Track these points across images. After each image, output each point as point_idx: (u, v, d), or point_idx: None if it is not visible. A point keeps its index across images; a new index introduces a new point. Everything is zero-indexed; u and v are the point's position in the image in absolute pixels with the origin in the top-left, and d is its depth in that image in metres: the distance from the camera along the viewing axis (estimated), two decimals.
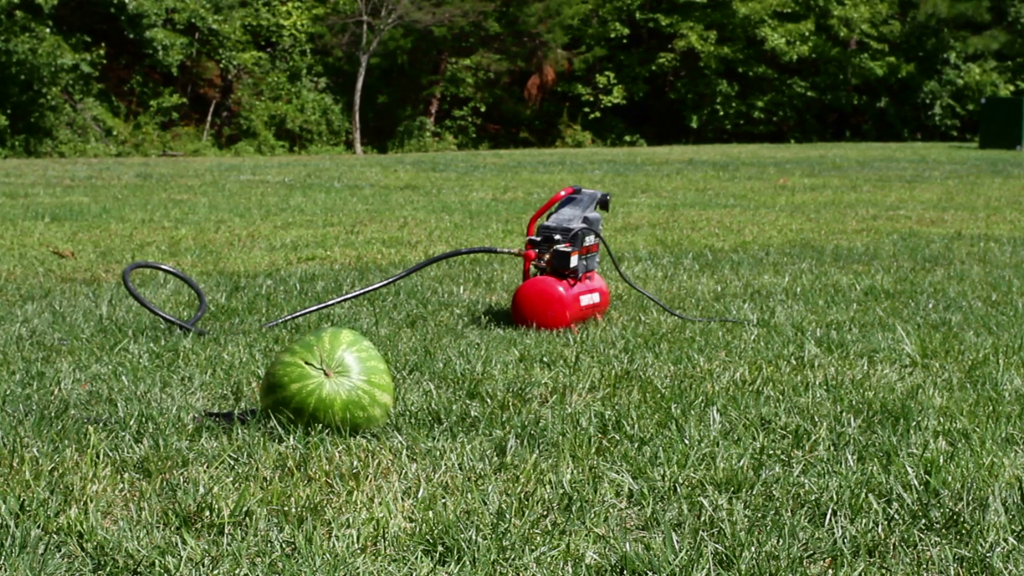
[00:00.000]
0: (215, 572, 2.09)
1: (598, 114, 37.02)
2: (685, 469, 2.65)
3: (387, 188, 13.98)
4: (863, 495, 2.46)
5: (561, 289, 4.51)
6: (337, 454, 2.75)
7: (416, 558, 2.16)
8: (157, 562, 2.11)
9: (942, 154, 24.10)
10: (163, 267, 4.94)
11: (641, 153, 26.31)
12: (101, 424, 3.00)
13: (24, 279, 5.88)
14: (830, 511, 2.38)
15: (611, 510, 2.41)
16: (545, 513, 2.39)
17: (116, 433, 2.92)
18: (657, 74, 37.83)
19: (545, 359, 3.87)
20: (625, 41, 37.67)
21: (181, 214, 10.06)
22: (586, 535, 2.27)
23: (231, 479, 2.57)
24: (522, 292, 4.54)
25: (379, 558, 2.16)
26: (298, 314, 4.55)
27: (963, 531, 2.31)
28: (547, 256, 4.62)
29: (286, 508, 2.38)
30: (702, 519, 2.36)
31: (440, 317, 4.76)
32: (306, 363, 2.96)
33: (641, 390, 3.41)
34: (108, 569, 2.10)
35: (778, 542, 2.22)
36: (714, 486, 2.55)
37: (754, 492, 2.51)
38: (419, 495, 2.48)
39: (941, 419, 3.10)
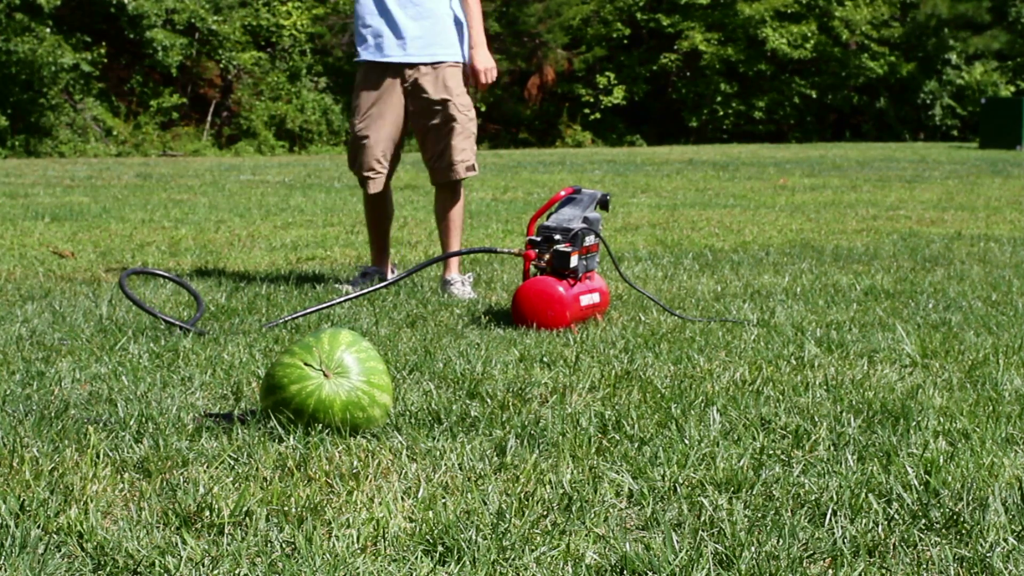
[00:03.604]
0: (215, 572, 2.09)
1: (598, 115, 37.02)
2: (685, 469, 2.65)
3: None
4: (863, 495, 2.46)
5: (561, 289, 4.51)
6: (337, 454, 2.75)
7: (416, 558, 2.16)
8: (157, 562, 2.11)
9: (942, 154, 24.10)
10: (157, 272, 4.96)
11: (641, 153, 26.31)
12: (101, 424, 3.00)
13: (24, 279, 5.88)
14: (830, 511, 2.38)
15: (611, 510, 2.41)
16: (545, 513, 2.39)
17: (116, 433, 2.92)
18: (658, 74, 37.83)
19: (545, 359, 3.87)
20: (626, 41, 37.68)
21: (181, 214, 10.06)
22: (586, 535, 2.27)
23: (231, 479, 2.57)
24: (522, 292, 4.54)
25: (379, 558, 2.16)
26: (298, 314, 4.55)
27: (963, 531, 2.31)
28: (547, 256, 4.63)
29: (286, 508, 2.38)
30: (702, 519, 2.36)
31: (440, 317, 4.76)
32: (305, 364, 2.96)
33: (641, 390, 3.41)
34: (108, 569, 2.10)
35: (778, 542, 2.22)
36: (714, 486, 2.55)
37: (754, 492, 2.51)
38: (419, 495, 2.48)
39: (941, 419, 3.10)
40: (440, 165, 5.59)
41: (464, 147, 5.56)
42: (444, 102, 5.54)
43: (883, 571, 2.14)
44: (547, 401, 3.31)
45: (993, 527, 2.30)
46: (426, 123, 5.58)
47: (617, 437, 2.92)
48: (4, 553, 2.13)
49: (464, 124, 5.56)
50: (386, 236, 5.88)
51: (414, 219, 9.75)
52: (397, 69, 5.56)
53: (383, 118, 5.59)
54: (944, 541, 2.26)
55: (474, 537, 2.22)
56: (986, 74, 37.68)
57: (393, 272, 5.86)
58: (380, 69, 5.59)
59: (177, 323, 4.33)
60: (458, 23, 5.64)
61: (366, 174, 5.67)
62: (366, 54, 5.61)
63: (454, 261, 5.57)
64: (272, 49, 33.11)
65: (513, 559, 2.16)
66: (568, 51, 37.30)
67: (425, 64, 5.55)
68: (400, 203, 11.57)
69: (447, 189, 5.65)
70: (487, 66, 5.63)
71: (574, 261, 4.60)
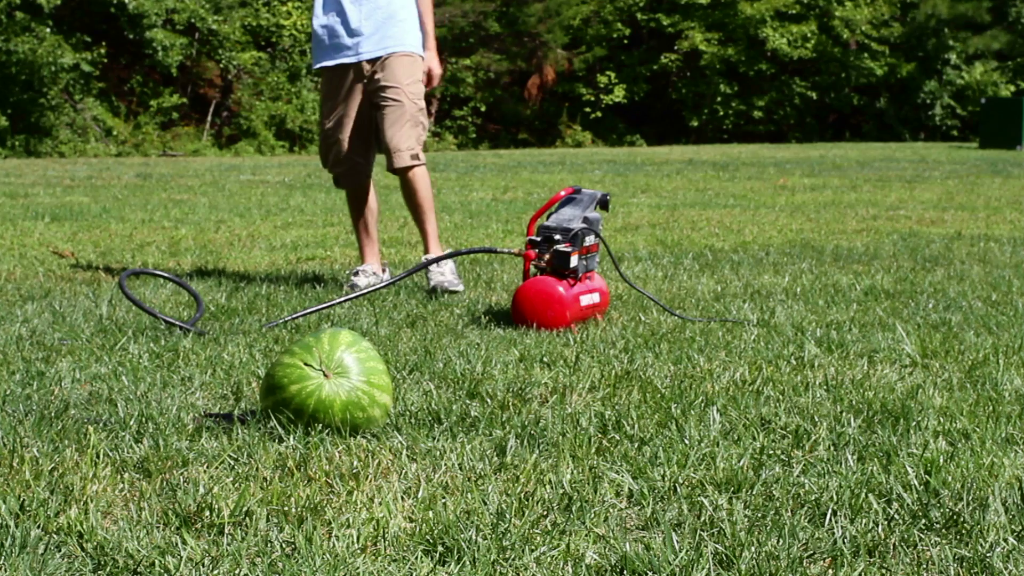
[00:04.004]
0: (215, 572, 2.09)
1: (599, 114, 37.03)
2: (685, 469, 2.65)
3: (387, 188, 13.97)
4: (863, 495, 2.46)
5: (561, 289, 4.51)
6: (337, 454, 2.75)
7: (416, 558, 2.16)
8: (157, 562, 2.11)
9: (942, 154, 24.10)
10: (156, 272, 4.97)
11: (641, 153, 26.31)
12: (101, 424, 3.00)
13: (24, 279, 5.88)
14: (830, 511, 2.38)
15: (611, 510, 2.41)
16: (545, 513, 2.39)
17: (116, 433, 2.92)
18: (658, 74, 37.84)
19: (545, 359, 3.87)
20: (626, 41, 37.69)
21: (181, 214, 10.06)
22: (586, 535, 2.27)
23: (231, 479, 2.57)
24: (522, 292, 4.54)
25: (379, 558, 2.16)
26: (298, 315, 4.55)
27: (963, 531, 2.31)
28: (547, 256, 4.63)
29: (286, 508, 2.38)
30: (702, 519, 2.36)
31: (440, 317, 4.76)
32: (305, 364, 2.96)
33: (641, 390, 3.41)
34: (108, 569, 2.10)
35: (778, 542, 2.22)
36: (714, 486, 2.55)
37: (754, 492, 2.51)
38: (419, 495, 2.48)
39: (941, 419, 3.10)
40: (388, 153, 5.60)
41: (411, 135, 5.56)
42: (394, 88, 5.57)
43: (883, 571, 2.14)
44: (547, 401, 3.31)
45: (993, 527, 2.30)
46: (379, 111, 5.61)
47: (617, 437, 2.92)
48: (4, 553, 2.13)
49: (412, 112, 5.57)
50: (372, 233, 5.88)
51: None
52: (356, 68, 5.61)
53: (348, 116, 5.67)
54: (944, 541, 2.26)
55: (474, 537, 2.22)
56: (986, 74, 37.69)
57: (385, 271, 5.87)
58: (341, 71, 5.64)
59: (177, 323, 4.33)
60: (412, 16, 5.65)
61: (339, 170, 5.76)
62: (324, 60, 5.65)
63: (433, 240, 5.61)
64: (272, 49, 33.10)
65: (513, 559, 2.16)
66: (568, 51, 37.30)
67: (379, 58, 5.59)
68: (400, 203, 11.56)
69: (404, 176, 5.64)
70: (436, 72, 5.74)
71: (574, 261, 4.60)
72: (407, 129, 5.56)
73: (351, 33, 5.57)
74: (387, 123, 5.56)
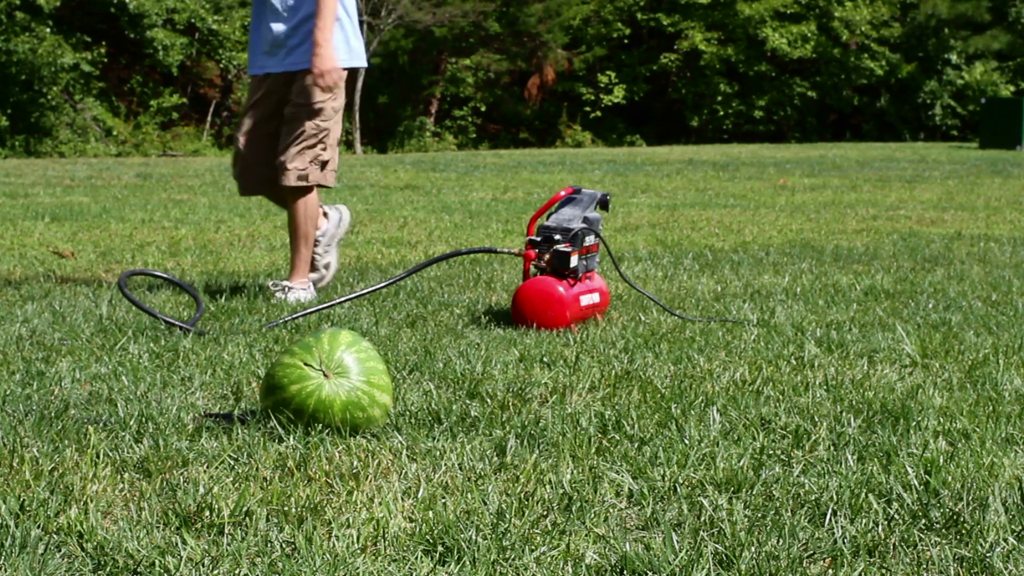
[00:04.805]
0: (215, 572, 2.09)
1: (599, 113, 37.04)
2: (685, 469, 2.65)
3: (387, 188, 13.99)
4: (863, 495, 2.46)
5: (561, 289, 4.51)
6: (337, 454, 2.75)
7: (416, 558, 2.16)
8: (157, 562, 2.11)
9: (942, 154, 24.10)
10: (156, 273, 4.97)
11: (641, 153, 26.31)
12: (101, 424, 3.00)
13: (24, 279, 5.88)
14: (830, 511, 2.38)
15: (611, 510, 2.41)
16: (545, 513, 2.39)
17: (116, 433, 2.92)
18: (658, 74, 37.85)
19: (545, 359, 3.87)
20: (626, 41, 37.70)
21: (181, 214, 10.06)
22: (586, 535, 2.27)
23: (231, 479, 2.57)
24: (522, 292, 4.54)
25: (379, 558, 2.16)
26: (298, 315, 4.55)
27: (963, 531, 2.31)
28: (547, 256, 4.63)
29: (286, 508, 2.38)
30: (702, 519, 2.36)
31: (440, 317, 4.76)
32: (305, 364, 2.96)
33: (641, 390, 3.41)
34: (108, 569, 2.11)
35: (778, 542, 2.22)
36: (714, 486, 2.55)
37: (754, 492, 2.51)
38: (419, 495, 2.48)
39: (941, 419, 3.10)
40: (275, 165, 5.32)
41: (303, 156, 5.26)
42: (298, 106, 5.27)
43: (883, 571, 2.14)
44: (547, 401, 3.31)
45: (993, 527, 2.30)
46: (283, 124, 5.34)
47: (617, 437, 2.92)
48: (4, 553, 2.13)
49: (309, 133, 5.26)
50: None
51: (414, 219, 9.75)
52: (276, 79, 5.38)
53: (257, 124, 5.42)
54: (944, 541, 2.26)
55: (474, 537, 2.22)
56: (986, 74, 37.71)
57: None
58: (261, 79, 5.42)
59: (177, 323, 4.33)
60: (339, 29, 5.31)
61: (234, 173, 5.57)
62: (253, 68, 5.43)
63: (297, 273, 5.33)
64: None
65: (513, 559, 2.16)
66: (568, 51, 37.31)
67: (299, 71, 5.30)
68: (400, 203, 11.58)
69: (287, 194, 5.34)
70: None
71: (574, 261, 4.60)
72: (302, 148, 5.24)
73: (276, 43, 5.30)
74: (286, 137, 5.27)
